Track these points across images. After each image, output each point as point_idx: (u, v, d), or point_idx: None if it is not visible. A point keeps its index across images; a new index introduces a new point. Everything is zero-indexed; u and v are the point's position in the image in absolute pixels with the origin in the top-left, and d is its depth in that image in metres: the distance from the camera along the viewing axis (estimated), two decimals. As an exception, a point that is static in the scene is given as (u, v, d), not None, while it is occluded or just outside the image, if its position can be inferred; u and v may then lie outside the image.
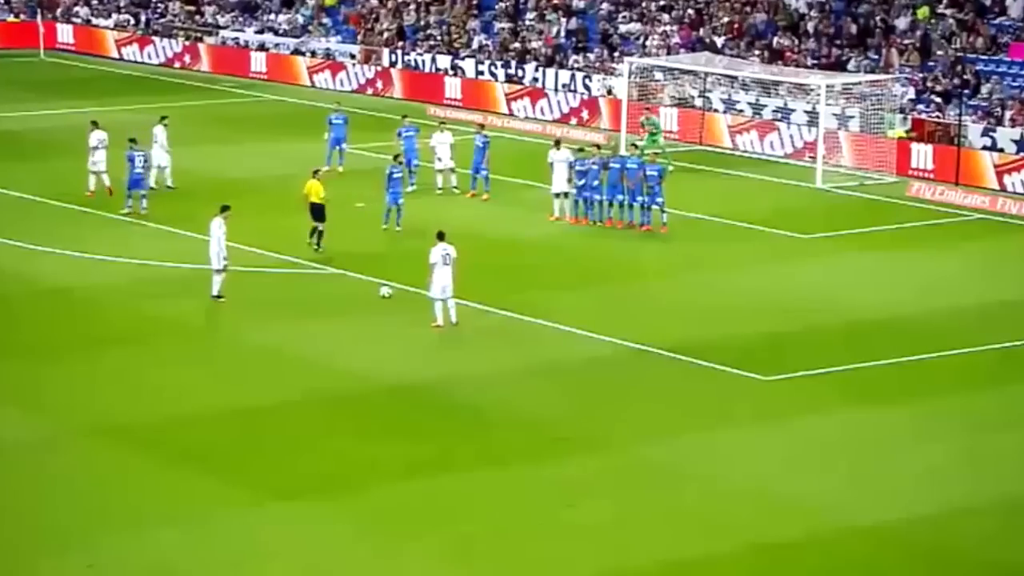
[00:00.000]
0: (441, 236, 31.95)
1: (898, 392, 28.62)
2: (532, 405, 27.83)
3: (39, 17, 70.41)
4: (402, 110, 50.14)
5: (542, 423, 26.92)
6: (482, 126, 45.70)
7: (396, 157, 39.96)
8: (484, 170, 42.99)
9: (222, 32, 67.24)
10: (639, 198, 39.78)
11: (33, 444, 25.90)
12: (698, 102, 52.70)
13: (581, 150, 41.90)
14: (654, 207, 39.71)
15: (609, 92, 54.77)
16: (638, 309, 33.62)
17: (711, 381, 29.08)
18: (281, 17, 66.97)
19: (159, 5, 70.74)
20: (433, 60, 60.32)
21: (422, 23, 63.37)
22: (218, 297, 33.23)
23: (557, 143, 42.33)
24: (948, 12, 52.58)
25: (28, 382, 28.84)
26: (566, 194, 40.65)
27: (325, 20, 66.07)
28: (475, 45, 60.66)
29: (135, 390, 28.40)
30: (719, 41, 55.60)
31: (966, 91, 48.45)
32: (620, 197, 39.82)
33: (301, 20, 66.49)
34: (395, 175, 39.17)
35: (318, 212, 36.34)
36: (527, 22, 61.13)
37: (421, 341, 31.32)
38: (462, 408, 27.62)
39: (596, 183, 39.82)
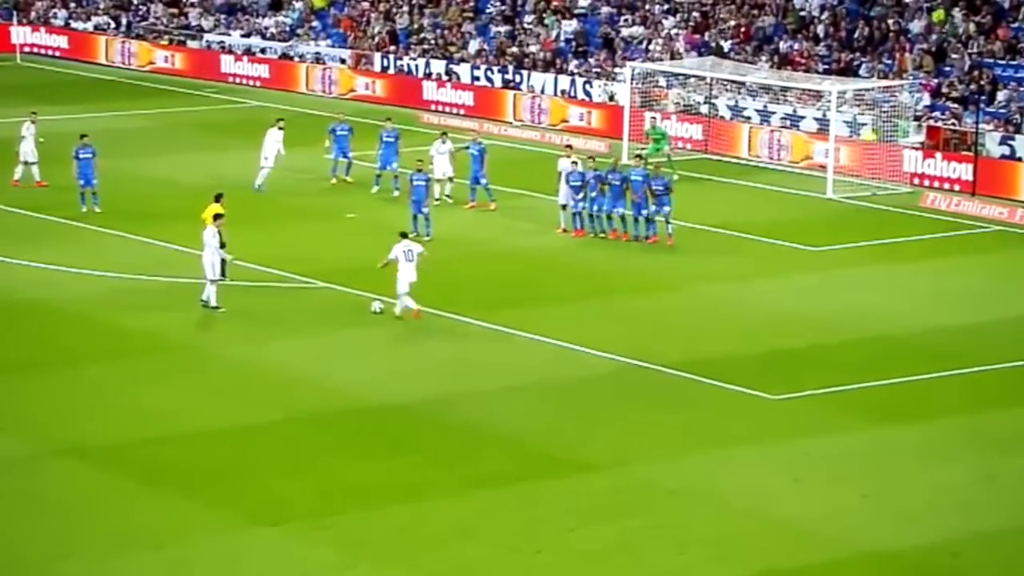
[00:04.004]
0: (404, 235, 33.34)
1: (911, 411, 28.64)
2: (529, 424, 27.83)
3: (14, 20, 70.51)
4: (391, 116, 50.15)
5: (540, 443, 26.92)
6: (476, 133, 45.94)
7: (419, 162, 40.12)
8: (484, 179, 43.11)
9: (206, 36, 67.34)
10: (644, 211, 39.81)
11: (8, 464, 25.88)
12: (703, 109, 52.78)
13: (591, 159, 41.94)
14: (659, 218, 39.76)
15: (611, 98, 54.83)
16: (641, 324, 33.64)
17: (716, 400, 29.09)
18: (268, 20, 67.08)
19: (140, 8, 70.83)
20: (427, 65, 60.42)
21: (415, 26, 63.47)
22: (216, 308, 33.28)
23: (569, 148, 42.53)
24: (963, 15, 52.64)
25: (2, 400, 28.82)
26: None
27: (314, 23, 66.18)
28: (471, 49, 60.76)
29: (114, 408, 28.39)
30: (726, 45, 55.69)
31: (983, 97, 48.52)
32: (621, 210, 39.88)
33: (289, 23, 66.60)
34: (417, 183, 39.25)
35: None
36: (525, 25, 61.23)
37: (413, 358, 31.34)
38: (456, 427, 27.62)
39: (594, 194, 39.87)
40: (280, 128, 45.31)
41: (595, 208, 40.05)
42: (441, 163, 43.24)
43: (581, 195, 40.05)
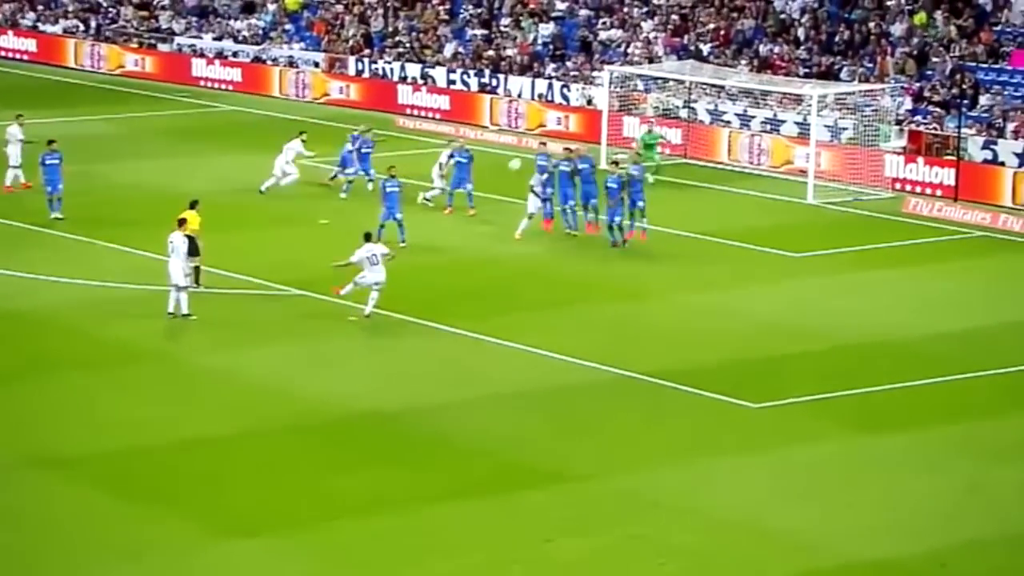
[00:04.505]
0: (368, 237, 33.55)
1: (896, 420, 28.63)
2: (508, 433, 27.75)
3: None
4: (367, 120, 50.09)
5: (518, 453, 26.84)
6: (463, 140, 46.11)
7: (390, 168, 40.04)
8: (469, 185, 43.15)
9: (177, 39, 67.15)
10: (618, 217, 39.81)
11: (-25, 476, 25.72)
12: (683, 113, 52.79)
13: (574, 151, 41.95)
14: (635, 210, 39.81)
15: (589, 102, 54.82)
16: (621, 332, 33.59)
17: (697, 408, 29.04)
18: (241, 23, 66.92)
19: (110, 10, 70.59)
20: (402, 68, 60.33)
21: (390, 29, 63.38)
22: (187, 315, 33.14)
23: (568, 152, 42.67)
24: (945, 18, 52.74)
25: (-30, 410, 28.68)
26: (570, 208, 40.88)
27: (287, 26, 66.05)
28: (447, 53, 60.71)
29: (86, 418, 28.24)
30: (705, 48, 55.72)
31: (965, 101, 48.62)
32: (572, 203, 40.14)
33: (262, 26, 66.45)
34: (390, 189, 39.23)
35: (192, 246, 34.14)
36: (502, 28, 61.21)
37: (390, 366, 31.24)
38: (431, 437, 27.52)
39: (551, 190, 40.02)
40: (303, 140, 45.40)
41: (566, 202, 40.13)
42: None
43: (550, 187, 40.19)
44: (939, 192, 46.48)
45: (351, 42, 63.27)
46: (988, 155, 47.19)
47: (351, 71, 61.70)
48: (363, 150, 45.67)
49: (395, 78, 60.25)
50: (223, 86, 63.53)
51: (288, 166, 45.15)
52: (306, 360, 31.38)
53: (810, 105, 47.89)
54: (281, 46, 64.59)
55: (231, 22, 67.27)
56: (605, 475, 25.94)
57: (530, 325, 33.64)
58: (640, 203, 39.98)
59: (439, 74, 59.30)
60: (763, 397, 29.34)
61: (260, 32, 66.12)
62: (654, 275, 38.29)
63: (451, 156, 43.71)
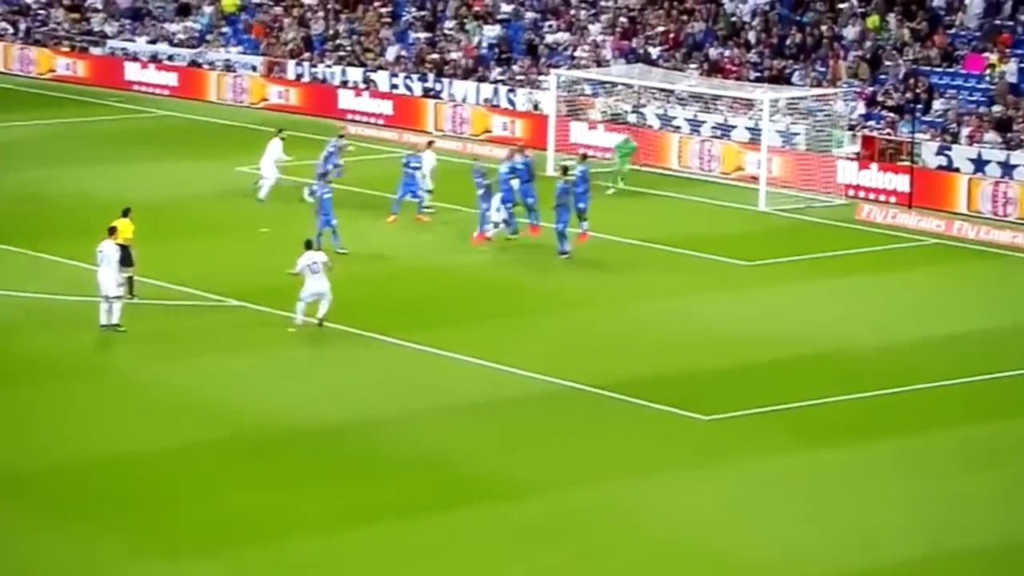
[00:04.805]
0: (308, 245, 33.77)
1: (849, 432, 28.78)
2: (453, 448, 27.75)
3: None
4: (308, 125, 50.05)
5: (463, 467, 26.85)
6: (416, 147, 46.28)
7: (323, 176, 40.07)
8: (421, 192, 43.41)
9: (110, 42, 66.84)
10: (563, 224, 39.90)
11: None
12: (631, 118, 52.95)
13: (565, 170, 42.02)
14: (578, 212, 39.97)
15: (536, 107, 54.91)
16: (569, 343, 33.66)
17: (646, 421, 29.13)
18: (176, 26, 66.69)
19: (40, 12, 70.20)
20: (343, 72, 60.26)
21: (330, 32, 63.32)
22: (117, 327, 32.98)
23: (513, 154, 42.74)
24: (898, 21, 53.08)
25: None
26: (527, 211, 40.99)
27: (225, 29, 65.86)
28: (389, 56, 60.67)
29: (12, 435, 28.04)
30: (654, 52, 55.92)
31: (919, 106, 48.95)
32: (510, 204, 40.25)
33: (198, 29, 66.24)
34: (325, 196, 39.27)
35: (125, 256, 33.97)
36: (446, 31, 61.24)
37: (332, 379, 31.20)
38: (374, 452, 27.50)
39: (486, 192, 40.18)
40: (282, 139, 45.53)
41: (505, 203, 40.23)
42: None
43: (482, 192, 40.30)
44: (893, 199, 46.78)
45: (290, 45, 63.14)
46: (942, 161, 47.52)
47: (290, 75, 61.56)
48: (412, 166, 45.93)
49: (336, 82, 60.15)
50: (158, 91, 63.26)
51: (268, 168, 45.05)
52: (245, 373, 31.29)
53: (761, 110, 48.13)
54: (218, 49, 64.38)
55: (166, 25, 67.01)
56: (552, 491, 25.97)
57: (476, 336, 33.65)
58: (582, 204, 40.11)
59: (381, 78, 59.26)
60: (714, 409, 29.45)
61: (196, 35, 65.89)
62: (602, 284, 38.38)
63: (405, 163, 43.78)
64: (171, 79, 63.36)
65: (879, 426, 29.05)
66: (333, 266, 33.75)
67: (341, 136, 46.67)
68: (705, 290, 37.95)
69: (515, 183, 40.79)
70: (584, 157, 42.85)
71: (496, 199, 40.80)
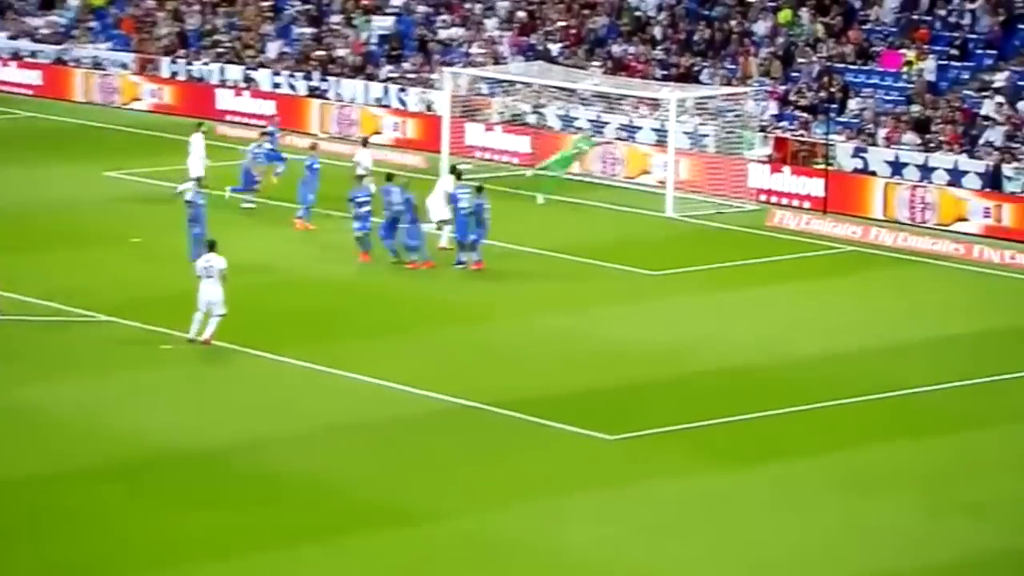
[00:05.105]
0: (211, 246, 33.52)
1: (764, 451, 29.02)
2: (341, 472, 27.72)
3: None
4: (184, 128, 49.78)
5: (353, 493, 26.82)
6: (314, 147, 46.23)
7: (197, 180, 39.94)
8: (312, 197, 43.29)
9: (-33, 38, 66.24)
10: (471, 235, 39.97)
11: None
12: (531, 119, 53.15)
13: (389, 177, 42.01)
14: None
15: (428, 108, 54.98)
16: (465, 359, 33.72)
17: (548, 442, 29.23)
18: (39, 20, 66.12)
19: None
20: (222, 71, 60.03)
21: (207, 27, 63.04)
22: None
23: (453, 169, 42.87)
24: (811, 15, 53.64)
25: None
26: (444, 222, 40.95)
27: (92, 24, 65.38)
28: (271, 53, 60.51)
29: None
30: (554, 49, 56.16)
31: (834, 106, 49.49)
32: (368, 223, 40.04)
33: (63, 24, 65.71)
34: (199, 203, 39.24)
35: None
36: (332, 26, 61.17)
37: (210, 399, 31.07)
38: (259, 476, 27.40)
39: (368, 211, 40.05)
40: (203, 132, 45.97)
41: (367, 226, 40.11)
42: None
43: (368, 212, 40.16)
44: (806, 204, 47.25)
45: (164, 42, 62.84)
46: (858, 163, 48.08)
47: (165, 73, 61.27)
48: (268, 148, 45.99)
49: (214, 81, 59.93)
50: (20, 90, 62.70)
51: (196, 166, 45.21)
52: (118, 393, 31.10)
53: (668, 110, 48.46)
54: (85, 46, 63.93)
55: (28, 19, 66.44)
56: (449, 516, 26.02)
57: (367, 352, 33.64)
58: (413, 241, 39.81)
59: (263, 77, 59.10)
60: (619, 428, 29.61)
61: (61, 30, 65.38)
62: (500, 295, 38.49)
63: (309, 165, 43.82)
64: (34, 77, 62.86)
65: (792, 445, 29.29)
66: (228, 276, 33.41)
67: (264, 131, 46.89)
68: (609, 301, 38.15)
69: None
70: (390, 177, 41.47)
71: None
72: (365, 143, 46.81)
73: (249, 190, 45.24)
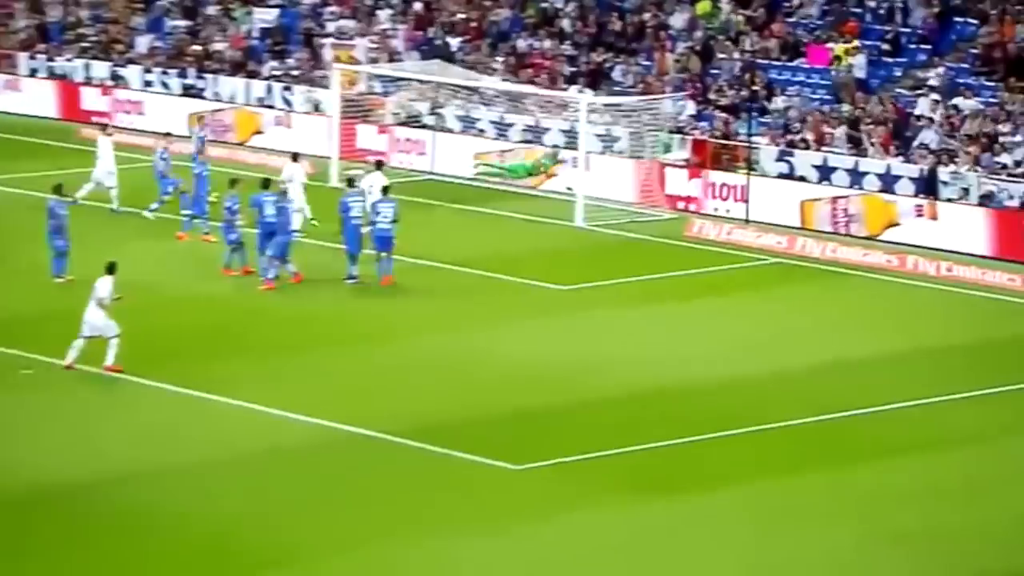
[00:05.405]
0: (110, 269, 33.39)
1: (681, 480, 29.18)
2: (219, 508, 27.63)
3: None
4: (45, 130, 49.57)
5: (233, 530, 26.76)
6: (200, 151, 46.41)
7: (57, 188, 39.72)
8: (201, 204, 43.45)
9: None
10: (348, 246, 40.07)
11: None
12: (428, 120, 53.24)
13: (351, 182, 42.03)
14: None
15: (316, 108, 54.95)
16: (355, 383, 33.73)
17: (448, 472, 29.28)
18: None
19: None
20: (86, 67, 59.72)
21: (71, 20, 62.71)
22: None
23: (379, 164, 43.33)
24: (732, 7, 54.02)
25: None
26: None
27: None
28: (141, 48, 60.26)
29: None
30: (454, 43, 56.27)
31: (756, 105, 49.82)
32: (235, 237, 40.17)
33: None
34: (59, 212, 39.10)
35: None
36: (209, 18, 61.00)
37: (76, 429, 30.89)
38: (130, 513, 27.28)
39: (240, 223, 40.03)
40: (108, 135, 45.96)
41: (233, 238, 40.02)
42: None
43: (242, 222, 40.15)
44: (728, 211, 47.60)
45: (22, 35, 62.43)
46: (783, 168, 48.46)
47: (23, 70, 60.87)
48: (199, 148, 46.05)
49: (78, 79, 59.62)
50: None
51: (109, 173, 45.33)
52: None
53: (577, 110, 48.66)
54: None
55: None
56: (339, 554, 26.00)
57: (249, 376, 33.58)
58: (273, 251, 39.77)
59: (132, 74, 58.85)
60: (526, 457, 29.71)
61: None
62: (396, 313, 38.52)
63: (198, 173, 43.88)
64: None
65: (712, 474, 29.46)
66: (116, 299, 33.17)
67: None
68: (515, 318, 38.27)
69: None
70: (233, 182, 41.40)
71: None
72: (295, 158, 46.14)
73: (162, 202, 45.12)
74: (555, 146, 50.38)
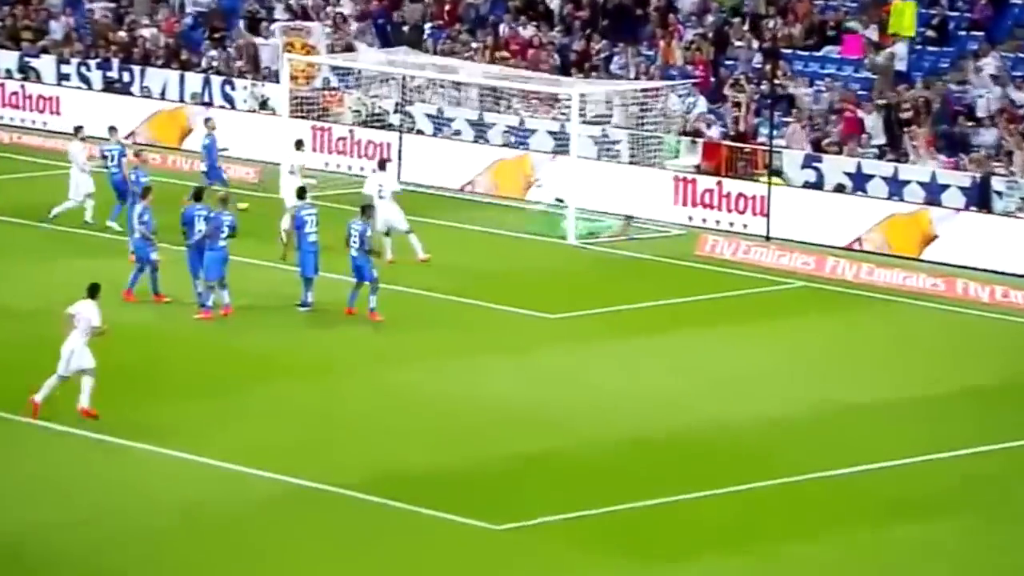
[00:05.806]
0: (92, 291, 33.54)
1: (683, 543, 29.13)
2: (143, 573, 27.68)
3: None
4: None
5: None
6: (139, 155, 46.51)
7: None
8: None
9: None
10: (302, 268, 40.21)
11: None
12: (394, 119, 53.24)
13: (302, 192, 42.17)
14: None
15: (263, 105, 54.99)
16: (306, 426, 33.73)
17: (417, 532, 29.27)
18: None
19: None
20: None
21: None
22: None
23: (382, 164, 43.88)
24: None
25: None
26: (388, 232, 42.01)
27: None
28: (56, 35, 60.33)
29: None
30: (424, 30, 56.30)
31: (779, 102, 49.87)
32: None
33: None
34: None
35: None
36: (136, 2, 61.06)
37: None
38: (37, 570, 27.31)
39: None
40: (81, 139, 46.63)
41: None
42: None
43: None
44: (745, 226, 47.65)
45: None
46: (810, 176, 48.46)
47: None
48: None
49: (-14, 72, 59.83)
50: None
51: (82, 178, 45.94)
52: None
53: (569, 108, 48.70)
54: None
55: None
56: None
57: (179, 420, 33.58)
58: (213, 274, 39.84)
59: (46, 65, 58.90)
60: (506, 516, 29.69)
61: None
62: (353, 345, 38.56)
63: (135, 180, 44.14)
64: None
65: (718, 537, 29.40)
66: (100, 330, 33.16)
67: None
68: (495, 352, 38.30)
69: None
70: (198, 195, 41.40)
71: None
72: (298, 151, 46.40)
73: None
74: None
